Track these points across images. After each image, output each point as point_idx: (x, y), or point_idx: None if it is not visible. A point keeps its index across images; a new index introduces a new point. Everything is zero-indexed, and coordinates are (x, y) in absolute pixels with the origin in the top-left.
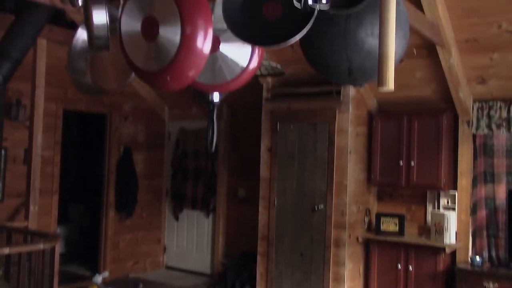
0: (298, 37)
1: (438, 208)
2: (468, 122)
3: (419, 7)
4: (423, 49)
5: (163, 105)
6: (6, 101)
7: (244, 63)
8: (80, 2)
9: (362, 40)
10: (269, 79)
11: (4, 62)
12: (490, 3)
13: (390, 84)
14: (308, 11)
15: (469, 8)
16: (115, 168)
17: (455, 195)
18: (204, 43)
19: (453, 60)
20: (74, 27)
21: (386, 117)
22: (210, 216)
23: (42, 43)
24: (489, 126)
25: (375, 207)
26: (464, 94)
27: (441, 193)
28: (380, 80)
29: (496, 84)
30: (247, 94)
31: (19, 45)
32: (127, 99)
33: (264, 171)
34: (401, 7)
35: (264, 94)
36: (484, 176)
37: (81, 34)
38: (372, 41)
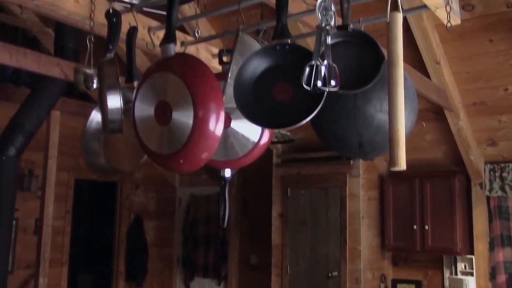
0: (308, 119)
1: (456, 273)
2: (481, 184)
3: (425, 73)
4: (431, 112)
5: (174, 172)
6: (19, 172)
7: (255, 138)
8: (94, 85)
9: (371, 115)
10: (279, 146)
11: (18, 135)
12: (494, 68)
13: (402, 164)
14: (317, 93)
15: (474, 73)
16: (125, 237)
17: (472, 259)
18: (216, 126)
19: (462, 123)
20: (87, 98)
21: (397, 180)
22: (222, 284)
23: (55, 115)
24: (502, 188)
25: (390, 273)
26: (475, 157)
27: (458, 258)
28: (392, 160)
29: (507, 145)
30: (257, 159)
31: (33, 118)
32: (138, 167)
33: (276, 238)
34: (408, 82)
35: (274, 160)
36: (501, 239)
37: (95, 116)
38: (381, 117)
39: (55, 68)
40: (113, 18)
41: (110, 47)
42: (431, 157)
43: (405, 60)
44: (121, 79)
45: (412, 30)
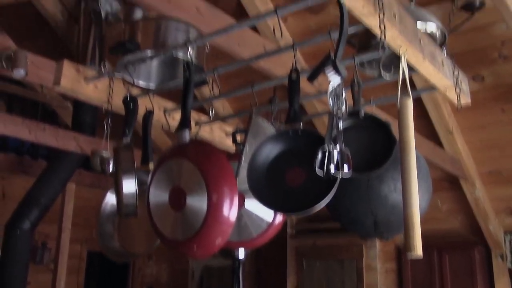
0: (322, 204)
1: None
2: (501, 256)
3: (438, 142)
4: (446, 182)
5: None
6: (32, 244)
7: (269, 219)
8: (110, 169)
9: (385, 195)
10: (293, 216)
11: (33, 209)
12: (508, 137)
13: (418, 251)
14: (330, 178)
15: (488, 142)
16: None
17: None
18: (230, 211)
19: (478, 192)
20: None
21: None
22: None
23: (71, 187)
24: None
25: None
26: (494, 227)
27: None
28: (408, 246)
29: None
30: None
31: (49, 192)
32: None
33: None
34: (421, 162)
35: (289, 230)
36: None
37: (110, 199)
38: (396, 196)
39: (72, 142)
40: (130, 103)
41: (127, 131)
42: (448, 227)
43: (417, 131)
44: (137, 153)
45: (424, 101)
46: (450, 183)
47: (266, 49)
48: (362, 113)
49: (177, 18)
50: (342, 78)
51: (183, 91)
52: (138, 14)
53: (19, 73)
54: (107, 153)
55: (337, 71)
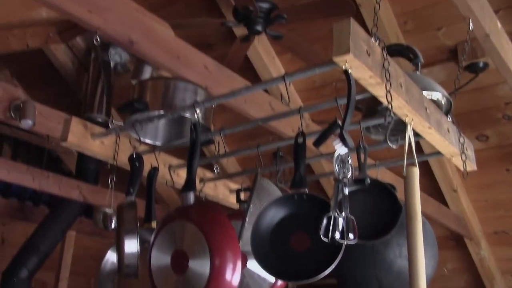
0: (326, 272)
1: None
2: None
3: (443, 201)
4: (451, 240)
5: None
6: None
7: (272, 279)
8: (112, 226)
9: (391, 261)
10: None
11: (32, 257)
12: None
13: None
14: (335, 245)
15: (493, 201)
16: None
17: None
18: (233, 276)
19: (484, 252)
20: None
21: None
22: None
23: (71, 235)
24: None
25: None
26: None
27: None
28: None
29: None
30: None
31: (49, 240)
32: None
33: None
34: (427, 227)
35: (290, 285)
36: None
37: (110, 256)
38: (401, 262)
39: (75, 191)
40: (135, 162)
41: (131, 190)
42: (454, 287)
43: (421, 189)
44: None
45: (428, 160)
46: (455, 242)
47: (272, 105)
48: (368, 181)
49: (185, 79)
50: (349, 149)
51: (189, 153)
52: (147, 70)
53: (27, 123)
54: (110, 210)
55: (344, 143)
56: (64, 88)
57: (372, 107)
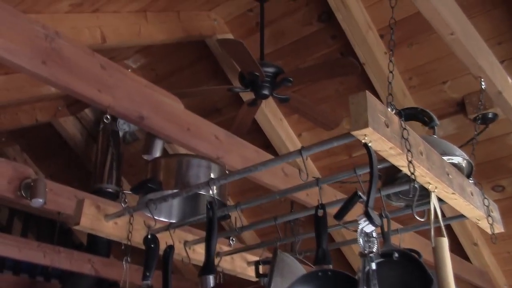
0: None
1: None
2: None
3: (465, 256)
4: None
5: None
6: None
7: None
8: None
9: None
10: None
11: None
12: None
13: None
14: None
15: None
16: None
17: None
18: None
19: None
20: None
21: None
22: None
23: None
24: None
25: None
26: None
27: None
28: None
29: None
30: None
31: None
32: None
33: None
34: None
35: None
36: None
37: None
38: None
39: (87, 265)
40: (151, 243)
41: (147, 274)
42: None
43: None
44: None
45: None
46: None
47: (284, 171)
48: (396, 255)
49: (199, 155)
50: (376, 226)
51: (207, 232)
52: (158, 144)
53: (38, 202)
54: None
55: (371, 221)
56: (73, 159)
57: (391, 174)
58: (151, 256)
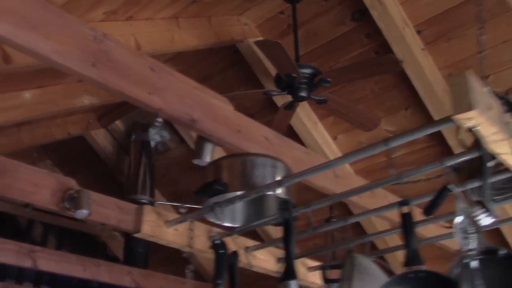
0: None
1: None
2: None
3: None
4: None
5: None
6: None
7: None
8: None
9: None
10: None
11: None
12: None
13: None
14: None
15: None
16: None
17: None
18: None
19: None
20: None
21: None
22: None
23: None
24: None
25: None
26: None
27: None
28: None
29: None
30: None
31: None
32: None
33: None
34: None
35: None
36: None
37: None
38: None
39: (126, 277)
40: (219, 249)
41: (219, 282)
42: None
43: None
44: None
45: None
46: None
47: (335, 173)
48: (503, 252)
49: (263, 154)
50: (496, 218)
51: (284, 236)
52: (208, 147)
53: (82, 213)
54: None
55: (491, 213)
56: (105, 171)
57: (473, 166)
58: (220, 262)
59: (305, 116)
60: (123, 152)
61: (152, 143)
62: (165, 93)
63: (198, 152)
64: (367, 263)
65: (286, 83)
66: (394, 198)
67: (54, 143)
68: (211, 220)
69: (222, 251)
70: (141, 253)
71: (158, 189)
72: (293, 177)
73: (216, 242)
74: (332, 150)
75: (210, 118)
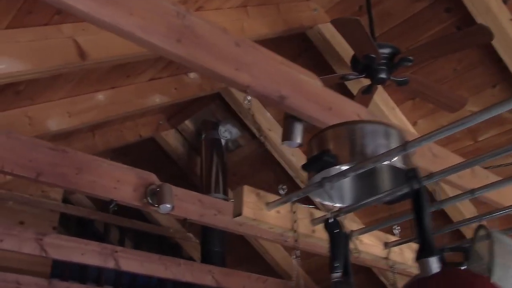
0: None
1: None
2: None
3: None
4: None
5: None
6: None
7: None
8: None
9: None
10: None
11: None
12: None
13: None
14: None
15: None
16: None
17: None
18: None
19: None
20: None
21: None
22: None
23: None
24: None
25: None
26: None
27: None
28: None
29: None
30: None
31: None
32: None
33: None
34: None
35: None
36: None
37: None
38: None
39: (207, 276)
40: (333, 228)
41: (336, 265)
42: None
43: None
44: None
45: None
46: None
47: (433, 151)
48: None
49: (373, 120)
50: None
51: (415, 208)
52: (298, 128)
53: (165, 208)
54: None
55: None
56: (176, 172)
57: None
58: (336, 243)
59: (381, 102)
60: (194, 152)
61: (223, 141)
62: (252, 69)
63: (287, 133)
64: (508, 240)
65: (364, 66)
66: (496, 178)
67: (125, 147)
68: (317, 199)
69: (337, 230)
70: (218, 252)
71: (230, 188)
72: (419, 140)
73: (330, 221)
74: (413, 136)
75: (299, 94)
